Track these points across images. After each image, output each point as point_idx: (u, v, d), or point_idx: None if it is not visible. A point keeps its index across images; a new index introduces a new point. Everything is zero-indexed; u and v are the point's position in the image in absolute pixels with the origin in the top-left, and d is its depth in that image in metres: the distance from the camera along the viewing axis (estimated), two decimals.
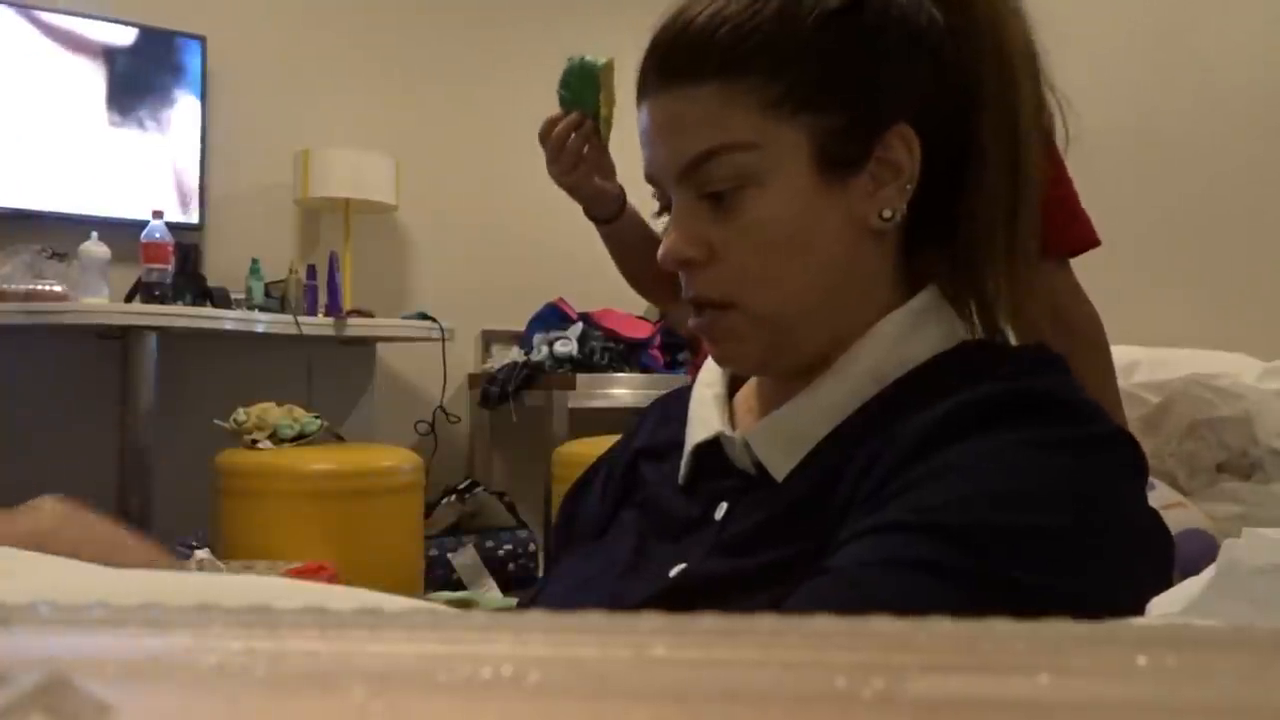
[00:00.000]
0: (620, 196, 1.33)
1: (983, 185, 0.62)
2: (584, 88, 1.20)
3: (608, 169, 1.30)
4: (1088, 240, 1.22)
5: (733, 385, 0.72)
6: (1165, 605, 0.45)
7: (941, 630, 0.19)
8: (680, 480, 0.68)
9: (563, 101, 1.23)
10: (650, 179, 0.65)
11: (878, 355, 0.62)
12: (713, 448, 0.66)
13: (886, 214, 0.61)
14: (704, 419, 0.68)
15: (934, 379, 0.59)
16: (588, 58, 1.19)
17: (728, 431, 0.65)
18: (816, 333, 0.63)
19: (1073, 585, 0.48)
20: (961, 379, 0.57)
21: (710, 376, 0.72)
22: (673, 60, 0.61)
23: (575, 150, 1.24)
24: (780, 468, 0.61)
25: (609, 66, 1.19)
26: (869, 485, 0.54)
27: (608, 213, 1.33)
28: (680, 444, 0.69)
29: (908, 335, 0.62)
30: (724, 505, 0.63)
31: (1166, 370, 1.77)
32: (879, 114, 0.60)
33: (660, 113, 0.62)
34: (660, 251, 0.63)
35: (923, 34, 0.61)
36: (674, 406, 0.75)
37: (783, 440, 0.62)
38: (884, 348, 0.62)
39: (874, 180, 0.61)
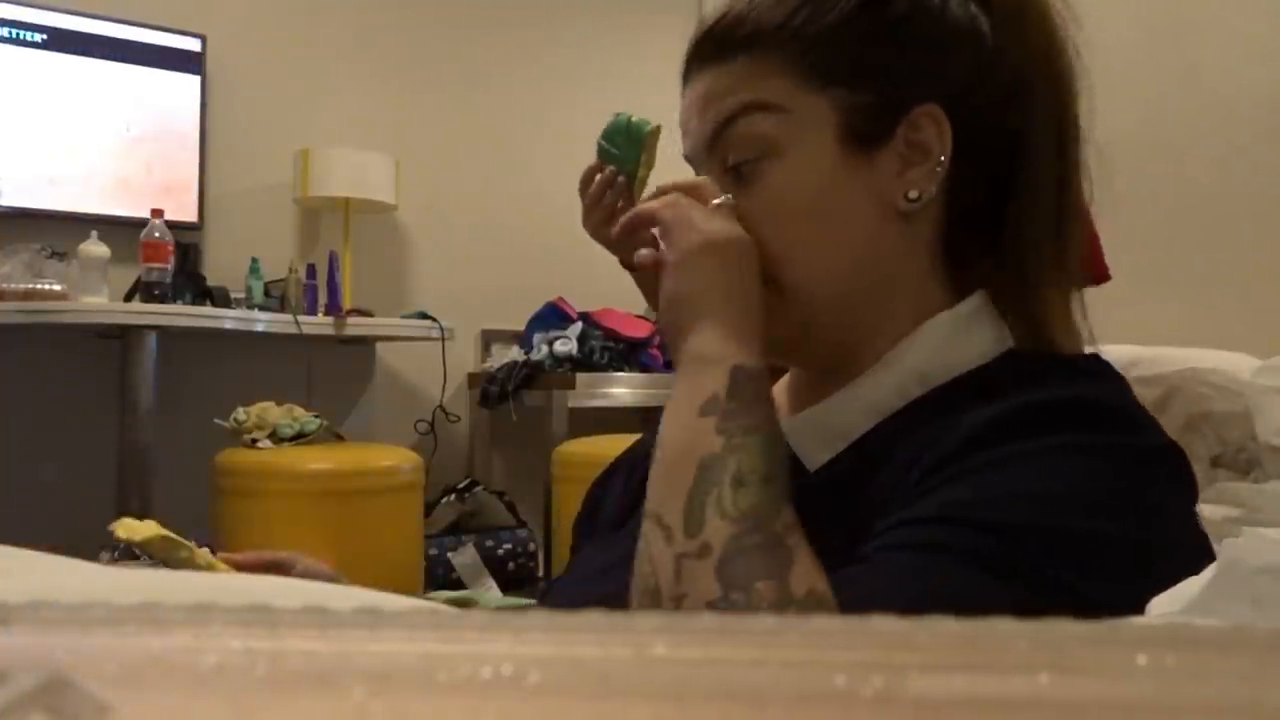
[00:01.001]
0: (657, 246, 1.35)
1: (1035, 193, 0.62)
2: (630, 148, 1.24)
3: None
4: (1097, 276, 1.20)
5: None
6: (1165, 605, 0.45)
7: (942, 629, 0.19)
8: None
9: (602, 153, 1.26)
10: (687, 159, 0.68)
11: (924, 356, 0.61)
12: None
13: (913, 194, 0.61)
14: None
15: (981, 384, 0.58)
16: (635, 118, 1.23)
17: None
18: (848, 321, 0.63)
19: (1098, 590, 0.47)
20: (1011, 386, 0.56)
21: None
22: (709, 43, 0.64)
23: (609, 207, 1.26)
24: (814, 459, 0.61)
25: (655, 131, 1.24)
26: (903, 488, 0.54)
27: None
28: None
29: (955, 338, 0.62)
30: None
31: (1164, 366, 1.77)
32: (907, 91, 0.61)
33: (696, 88, 0.65)
34: None
35: (959, 25, 0.62)
36: None
37: (821, 433, 0.62)
38: (930, 349, 0.61)
39: (902, 160, 0.61)
